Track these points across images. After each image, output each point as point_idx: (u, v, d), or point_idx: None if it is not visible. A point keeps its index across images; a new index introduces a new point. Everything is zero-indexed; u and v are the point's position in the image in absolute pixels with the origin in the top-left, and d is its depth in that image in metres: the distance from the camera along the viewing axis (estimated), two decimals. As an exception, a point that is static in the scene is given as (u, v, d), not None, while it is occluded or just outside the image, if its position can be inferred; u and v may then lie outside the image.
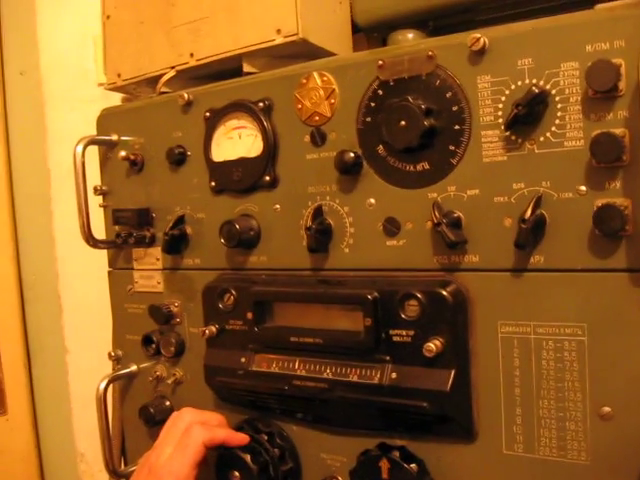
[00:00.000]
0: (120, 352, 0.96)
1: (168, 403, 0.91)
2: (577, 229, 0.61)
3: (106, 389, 0.93)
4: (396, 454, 0.70)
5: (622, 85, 0.58)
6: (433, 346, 0.64)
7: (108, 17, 0.94)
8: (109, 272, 0.97)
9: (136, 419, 0.94)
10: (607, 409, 0.62)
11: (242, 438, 0.79)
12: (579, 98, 0.60)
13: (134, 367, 0.94)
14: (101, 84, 1.41)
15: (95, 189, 0.93)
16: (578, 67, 0.60)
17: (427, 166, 0.68)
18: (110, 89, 0.97)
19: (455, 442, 0.69)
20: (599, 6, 0.60)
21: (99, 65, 1.41)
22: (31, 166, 1.49)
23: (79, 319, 1.51)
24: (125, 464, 1.01)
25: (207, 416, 0.81)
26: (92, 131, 1.42)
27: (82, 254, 1.47)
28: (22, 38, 1.44)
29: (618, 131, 0.58)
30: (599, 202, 0.59)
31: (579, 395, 0.63)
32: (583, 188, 0.61)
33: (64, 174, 1.45)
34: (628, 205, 0.59)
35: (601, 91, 0.58)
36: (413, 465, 0.70)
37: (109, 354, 0.97)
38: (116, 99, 1.31)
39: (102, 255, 1.38)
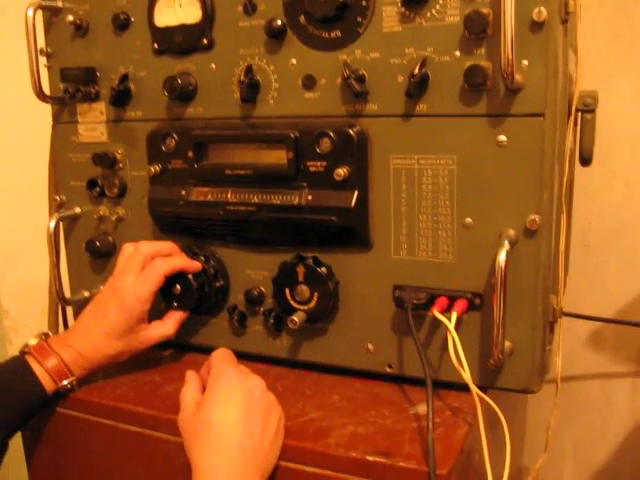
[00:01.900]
0: (64, 197, 1.10)
1: (111, 239, 1.07)
2: (452, 84, 0.79)
3: (56, 228, 1.07)
4: (310, 261, 0.89)
5: (488, -27, 0.76)
6: (342, 172, 0.83)
7: None
8: (53, 126, 1.09)
9: (80, 255, 1.09)
10: (469, 220, 0.82)
11: (197, 266, 0.95)
12: (457, -17, 0.78)
13: (78, 209, 1.09)
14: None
15: (40, 51, 1.04)
16: (457, -41, 0.77)
17: (339, 34, 0.84)
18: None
19: (355, 251, 0.89)
20: None
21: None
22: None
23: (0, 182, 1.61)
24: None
25: (160, 246, 0.96)
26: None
27: (1, 121, 1.57)
28: None
29: (485, 10, 0.76)
30: (468, 63, 0.77)
31: (449, 210, 0.83)
32: (457, 53, 0.78)
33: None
34: (489, 66, 0.77)
35: (473, -23, 0.76)
36: (323, 269, 0.89)
37: (53, 198, 1.11)
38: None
39: (22, 121, 1.49)
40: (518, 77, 0.75)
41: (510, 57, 0.73)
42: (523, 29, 0.75)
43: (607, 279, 1.42)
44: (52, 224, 1.06)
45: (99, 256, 1.06)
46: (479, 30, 0.77)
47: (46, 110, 1.09)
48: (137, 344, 0.94)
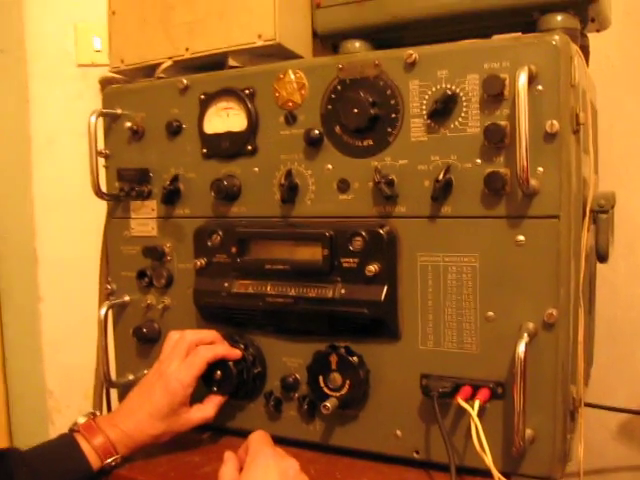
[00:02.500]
0: (115, 286, 1.17)
1: (157, 326, 1.13)
2: (473, 189, 0.86)
3: (106, 315, 1.14)
4: (342, 350, 0.95)
5: (506, 92, 0.83)
6: (373, 268, 0.90)
7: (114, 13, 1.15)
8: (107, 220, 1.18)
9: (127, 340, 1.16)
10: (491, 313, 0.88)
11: (237, 354, 1.02)
12: (477, 99, 0.85)
13: (127, 297, 1.16)
14: (81, 65, 1.62)
15: (100, 153, 1.14)
16: (478, 78, 0.85)
17: (371, 142, 0.92)
18: (113, 72, 1.18)
19: (385, 342, 0.94)
20: (494, 37, 0.87)
21: (80, 48, 1.62)
22: (13, 135, 1.67)
23: (54, 272, 1.71)
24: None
25: (204, 334, 1.03)
26: (71, 105, 1.64)
27: (58, 214, 1.68)
28: (7, 19, 1.62)
29: (502, 123, 0.84)
30: (488, 170, 0.85)
31: (472, 304, 0.89)
32: (478, 160, 0.86)
33: (44, 142, 1.65)
34: (507, 173, 0.84)
35: (492, 95, 0.84)
36: (355, 358, 0.95)
37: (104, 287, 1.19)
38: (92, 78, 1.52)
39: (77, 215, 1.60)
40: (533, 182, 0.83)
41: (525, 165, 0.80)
42: (537, 139, 0.83)
43: (636, 370, 1.44)
44: (103, 311, 1.14)
45: (145, 342, 1.13)
46: (497, 140, 0.84)
47: (98, 204, 1.18)
48: (179, 426, 0.99)
